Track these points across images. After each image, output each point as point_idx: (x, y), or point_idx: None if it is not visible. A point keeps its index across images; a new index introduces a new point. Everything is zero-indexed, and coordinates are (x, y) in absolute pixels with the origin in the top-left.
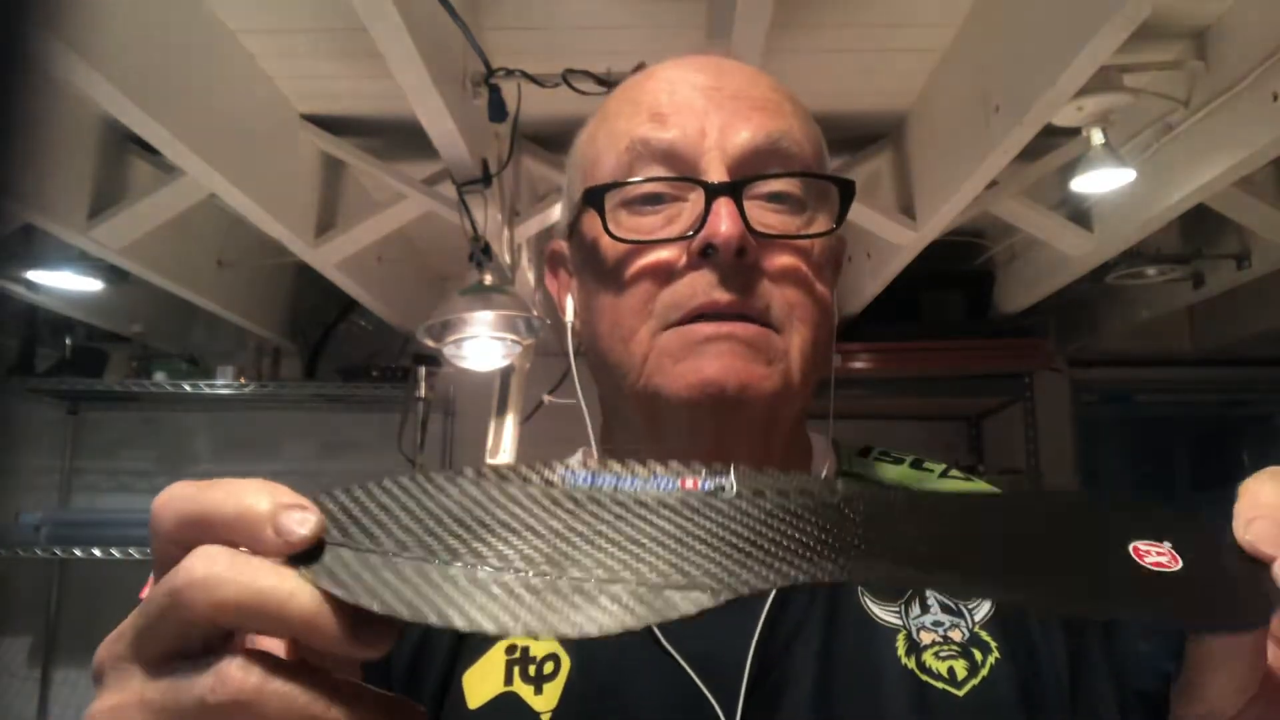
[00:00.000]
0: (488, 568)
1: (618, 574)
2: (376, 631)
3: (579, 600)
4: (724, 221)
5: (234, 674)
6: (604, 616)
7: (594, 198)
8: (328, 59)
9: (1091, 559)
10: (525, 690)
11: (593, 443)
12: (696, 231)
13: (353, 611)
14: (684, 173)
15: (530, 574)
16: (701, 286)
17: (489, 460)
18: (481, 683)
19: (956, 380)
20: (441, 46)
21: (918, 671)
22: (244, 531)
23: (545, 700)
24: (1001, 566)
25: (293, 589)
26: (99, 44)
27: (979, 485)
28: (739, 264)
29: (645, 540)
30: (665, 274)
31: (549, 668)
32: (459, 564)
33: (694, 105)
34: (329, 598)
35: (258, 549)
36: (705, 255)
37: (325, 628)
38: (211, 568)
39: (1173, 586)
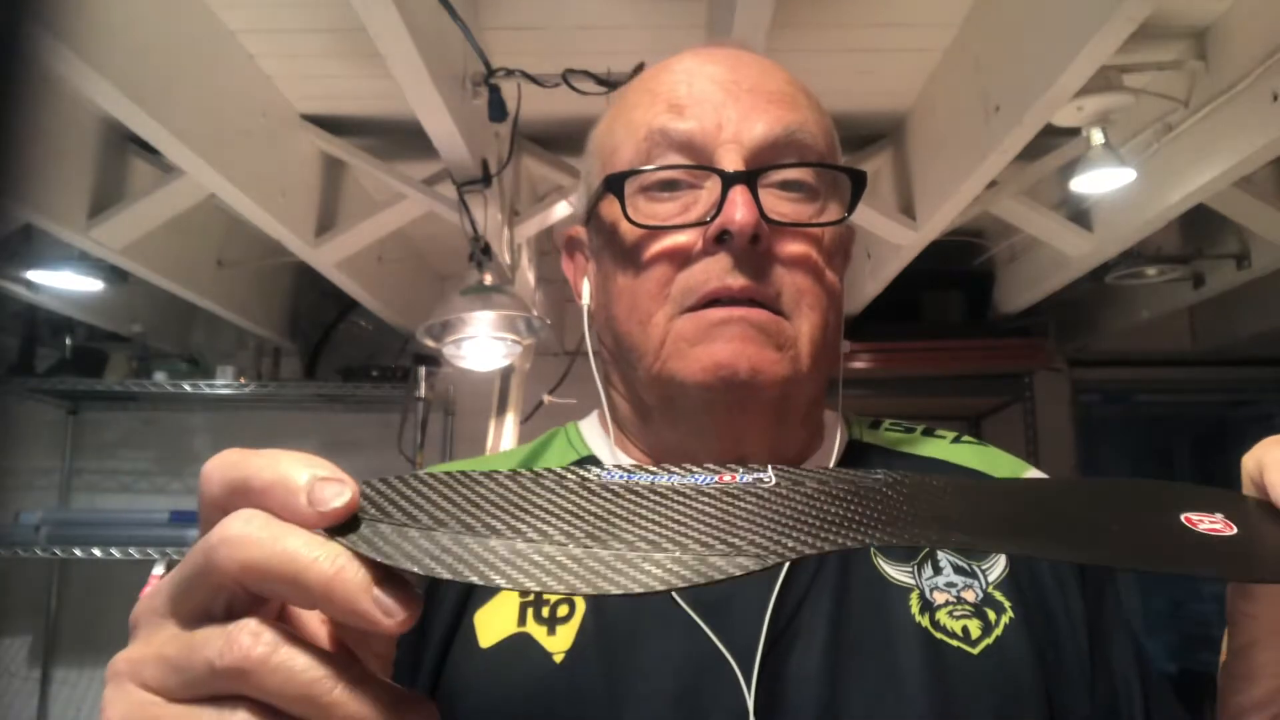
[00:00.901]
0: (527, 541)
1: (660, 545)
2: (401, 599)
3: (621, 566)
4: (739, 209)
5: (242, 640)
6: (646, 578)
7: (614, 184)
8: (328, 59)
9: (1144, 524)
10: (539, 631)
11: (605, 407)
12: (713, 218)
13: (379, 578)
14: (701, 163)
15: (571, 545)
16: (716, 271)
17: None
18: (493, 622)
19: (956, 380)
20: (441, 46)
21: (931, 630)
22: (279, 498)
23: (559, 641)
24: (1051, 532)
25: (320, 554)
26: (99, 44)
27: (990, 450)
28: (752, 250)
29: (686, 519)
30: (681, 259)
31: (563, 610)
32: (498, 538)
33: (711, 98)
34: (363, 561)
35: (292, 517)
36: (720, 241)
37: (348, 592)
38: (244, 528)
39: (1229, 546)
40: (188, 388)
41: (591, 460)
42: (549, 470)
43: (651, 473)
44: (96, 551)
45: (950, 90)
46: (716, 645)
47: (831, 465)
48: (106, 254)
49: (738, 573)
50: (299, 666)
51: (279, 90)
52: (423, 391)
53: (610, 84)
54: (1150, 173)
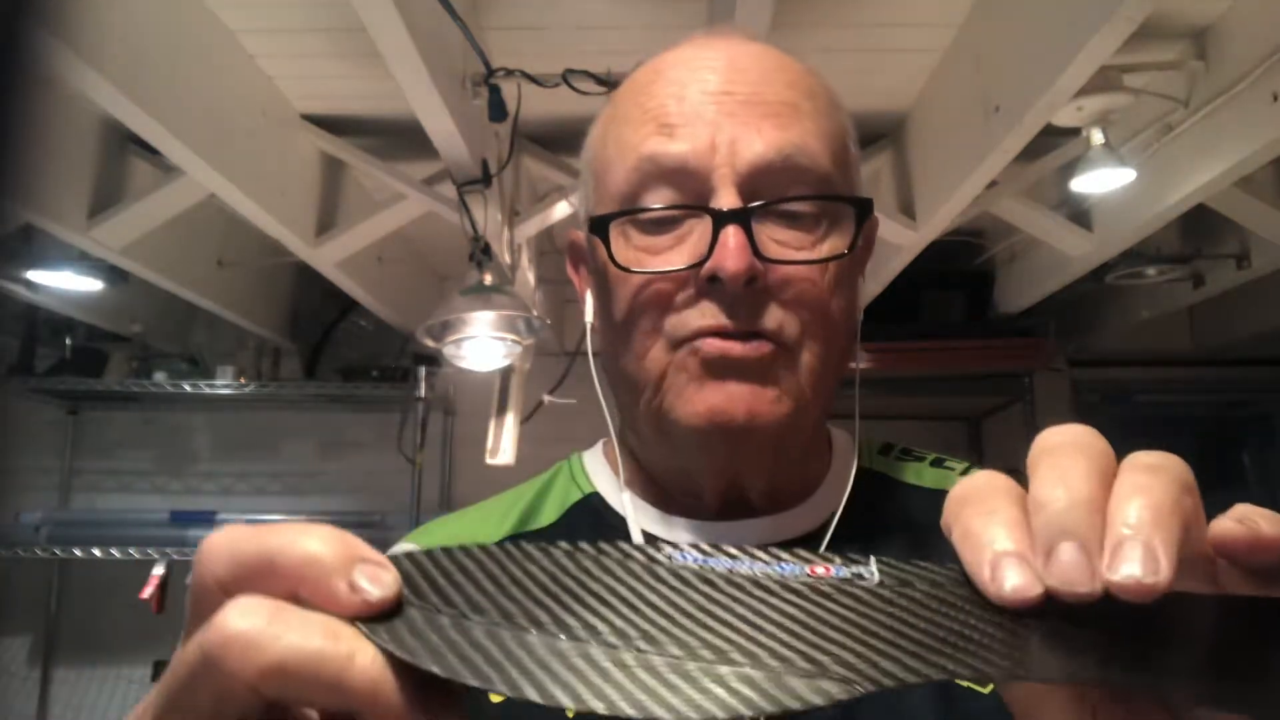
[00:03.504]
0: (571, 638)
1: (727, 654)
2: (444, 702)
3: (677, 680)
4: (731, 255)
5: None
6: (706, 699)
7: (599, 228)
8: (328, 59)
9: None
10: None
11: (612, 433)
12: (704, 261)
13: (417, 677)
14: (693, 190)
15: (621, 649)
16: (710, 312)
17: (489, 460)
18: None
19: (956, 380)
20: (441, 46)
21: None
22: (313, 581)
23: None
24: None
25: (352, 650)
26: (99, 44)
27: None
28: (749, 290)
29: (764, 622)
30: (675, 300)
31: None
32: (536, 632)
33: (703, 114)
34: (390, 660)
35: (326, 604)
36: (713, 283)
37: (389, 696)
38: (253, 620)
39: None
40: (188, 388)
41: (595, 498)
42: (615, 546)
43: (731, 556)
44: (96, 551)
45: (950, 90)
46: None
47: (844, 496)
48: (106, 254)
49: (819, 702)
50: None
51: (279, 90)
52: (423, 391)
53: (610, 84)
54: (1150, 173)
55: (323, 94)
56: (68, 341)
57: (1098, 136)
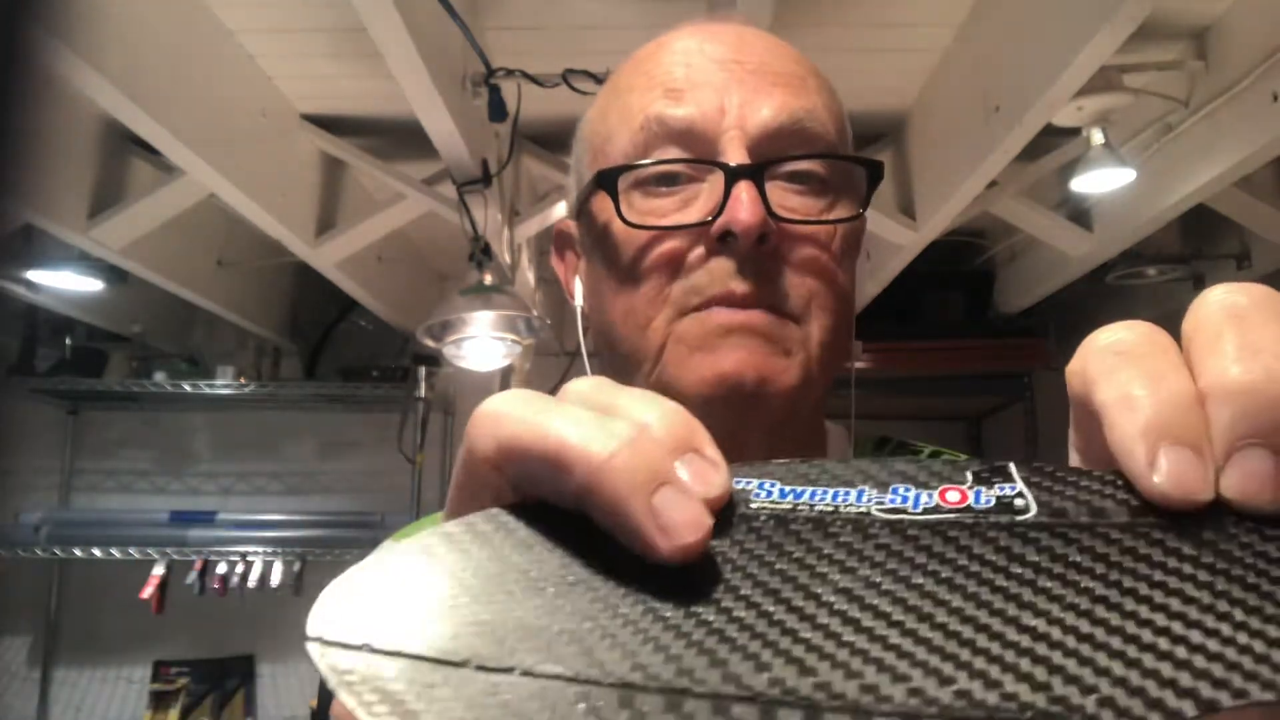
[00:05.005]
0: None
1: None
2: (689, 518)
3: None
4: (744, 208)
5: None
6: None
7: (607, 180)
8: (328, 59)
9: None
10: None
11: None
12: (715, 217)
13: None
14: (702, 152)
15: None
16: (720, 275)
17: None
18: None
19: (956, 380)
20: (441, 46)
21: None
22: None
23: None
24: None
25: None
26: (99, 44)
27: None
28: (759, 250)
29: (923, 626)
30: (682, 261)
31: None
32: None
33: (712, 80)
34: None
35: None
36: (724, 242)
37: (618, 487)
38: (502, 401)
39: None
40: (188, 388)
41: None
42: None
43: (812, 481)
44: (96, 551)
45: (950, 90)
46: None
47: None
48: (106, 254)
49: None
50: None
51: (279, 90)
52: (423, 391)
53: None
54: (1150, 173)
55: (323, 94)
56: (68, 341)
57: (1098, 136)
